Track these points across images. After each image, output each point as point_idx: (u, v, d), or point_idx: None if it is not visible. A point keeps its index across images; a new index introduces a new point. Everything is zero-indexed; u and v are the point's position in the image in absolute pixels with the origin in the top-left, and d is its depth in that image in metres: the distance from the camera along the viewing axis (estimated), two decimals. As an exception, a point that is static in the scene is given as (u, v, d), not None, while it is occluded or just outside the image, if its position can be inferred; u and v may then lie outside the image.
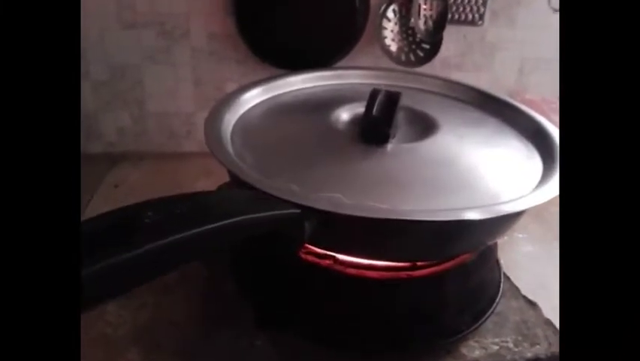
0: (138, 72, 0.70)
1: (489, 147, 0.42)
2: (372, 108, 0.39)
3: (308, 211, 0.30)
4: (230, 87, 0.71)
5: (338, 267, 0.37)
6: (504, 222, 0.35)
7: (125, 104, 0.72)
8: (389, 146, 0.39)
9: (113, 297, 0.35)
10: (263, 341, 0.40)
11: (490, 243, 0.40)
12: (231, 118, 0.42)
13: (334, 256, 0.37)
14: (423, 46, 0.72)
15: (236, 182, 0.35)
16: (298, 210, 0.29)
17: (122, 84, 0.70)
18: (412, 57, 0.72)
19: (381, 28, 0.71)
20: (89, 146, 0.73)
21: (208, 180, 0.67)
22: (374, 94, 0.40)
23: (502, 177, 0.37)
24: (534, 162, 0.40)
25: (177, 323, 0.46)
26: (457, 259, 0.39)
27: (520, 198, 0.33)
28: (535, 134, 0.43)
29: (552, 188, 0.34)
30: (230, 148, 0.38)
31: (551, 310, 0.46)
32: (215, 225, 0.25)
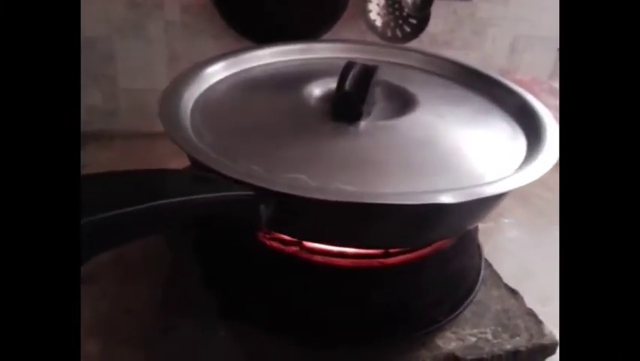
0: (108, 47, 0.66)
1: (471, 127, 0.39)
2: (345, 83, 0.36)
3: (264, 194, 0.27)
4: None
5: (304, 254, 0.35)
6: (483, 205, 0.32)
7: (94, 81, 0.68)
8: (362, 124, 0.36)
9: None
10: (226, 332, 0.38)
11: (468, 228, 0.38)
12: (193, 92, 0.39)
13: (300, 243, 0.35)
14: (410, 21, 0.69)
15: (192, 162, 0.32)
16: (251, 193, 0.26)
17: (91, 60, 0.67)
18: (399, 32, 0.69)
19: (366, 1, 0.68)
20: (56, 124, 0.70)
21: (181, 161, 0.64)
22: (348, 67, 0.37)
23: (483, 159, 0.35)
24: (518, 143, 0.37)
25: (138, 313, 0.44)
26: (433, 246, 0.36)
27: (500, 180, 0.30)
28: (520, 113, 0.40)
29: (534, 170, 0.31)
30: (188, 125, 0.35)
31: (535, 298, 0.44)
32: (157, 202, 0.23)
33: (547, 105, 0.76)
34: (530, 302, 0.43)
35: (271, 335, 0.36)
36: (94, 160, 0.66)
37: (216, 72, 0.42)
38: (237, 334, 0.37)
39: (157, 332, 0.40)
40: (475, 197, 0.28)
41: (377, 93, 0.39)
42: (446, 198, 0.27)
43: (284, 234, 0.33)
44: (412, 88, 0.41)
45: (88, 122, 0.70)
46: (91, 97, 0.69)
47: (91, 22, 0.64)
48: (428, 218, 0.30)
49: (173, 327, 0.39)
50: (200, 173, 0.30)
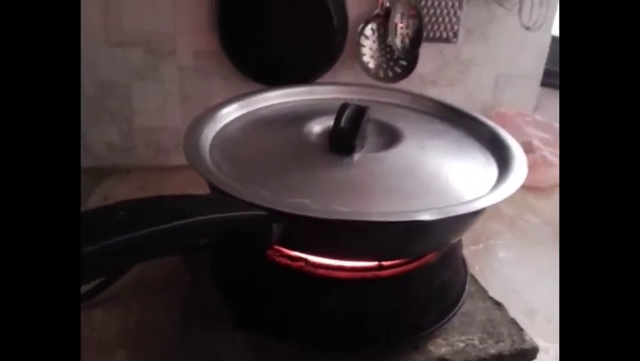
0: (126, 89, 0.73)
1: (450, 157, 0.45)
2: (341, 121, 0.42)
3: (276, 214, 0.32)
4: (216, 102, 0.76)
5: (309, 268, 0.40)
6: (460, 222, 0.38)
7: (113, 120, 0.74)
8: (356, 155, 0.42)
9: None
10: (241, 342, 0.42)
11: (451, 242, 0.43)
12: (211, 131, 0.45)
13: (306, 259, 0.40)
14: (400, 62, 0.76)
15: (212, 188, 0.38)
16: (265, 213, 0.32)
17: (110, 100, 0.73)
18: (390, 73, 0.76)
19: (359, 45, 0.74)
20: (78, 160, 0.76)
21: (194, 192, 0.70)
22: (343, 107, 0.43)
23: (460, 183, 0.40)
24: (490, 169, 0.43)
25: (161, 328, 0.48)
26: (421, 260, 0.42)
27: (473, 200, 0.36)
28: (493, 145, 0.46)
29: (503, 191, 0.37)
30: (208, 158, 0.41)
31: (520, 312, 0.48)
32: (183, 221, 0.27)
33: (531, 136, 0.83)
34: (516, 315, 0.48)
35: (281, 341, 0.41)
36: (112, 192, 0.71)
37: (230, 113, 0.49)
38: (252, 342, 0.42)
39: (179, 343, 0.44)
40: (450, 214, 0.33)
41: (368, 129, 0.45)
42: (425, 216, 0.33)
43: (291, 250, 0.39)
44: (398, 124, 0.47)
45: (106, 157, 0.76)
46: (109, 134, 0.75)
47: (112, 67, 0.71)
48: (412, 233, 0.36)
49: (194, 338, 0.44)
50: (217, 197, 0.36)
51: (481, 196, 0.37)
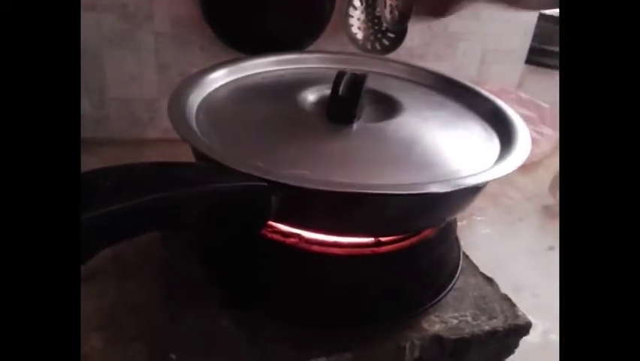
0: (98, 57, 0.68)
1: (451, 129, 0.43)
2: (339, 89, 0.39)
3: (274, 186, 0.30)
4: (195, 72, 0.72)
5: (303, 245, 0.38)
6: (465, 195, 0.36)
7: (84, 90, 0.70)
8: (355, 126, 0.39)
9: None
10: (228, 322, 0.40)
11: (450, 218, 0.41)
12: (196, 98, 0.42)
13: (300, 235, 0.38)
14: (388, 35, 0.73)
15: (201, 159, 0.35)
16: (265, 183, 0.29)
17: (81, 69, 0.68)
18: (378, 45, 0.74)
19: (347, 16, 0.72)
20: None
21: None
22: (340, 75, 0.40)
23: (462, 156, 0.39)
24: (492, 143, 0.41)
25: (139, 307, 0.46)
26: (418, 236, 0.40)
27: (480, 173, 0.35)
28: (493, 118, 0.44)
29: (508, 165, 0.36)
30: (195, 128, 0.38)
31: (507, 287, 0.48)
32: (179, 192, 0.25)
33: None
34: (503, 290, 0.47)
35: (272, 320, 0.39)
36: (86, 167, 0.67)
37: (216, 79, 0.45)
38: (240, 322, 0.40)
39: (161, 324, 0.42)
40: (460, 187, 0.32)
41: (365, 99, 0.43)
42: (436, 188, 0.31)
43: (287, 224, 0.36)
44: (396, 95, 0.45)
45: (77, 129, 0.72)
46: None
47: (83, 33, 0.65)
48: (418, 207, 0.34)
49: (177, 319, 0.42)
50: (208, 165, 0.33)
51: (488, 168, 0.35)
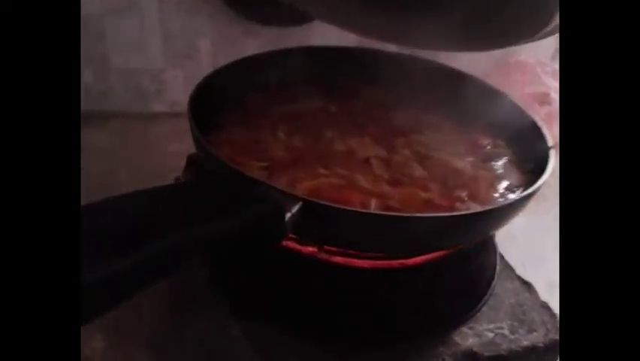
0: (100, 24, 0.62)
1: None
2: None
3: (290, 199, 0.25)
4: (203, 43, 0.66)
5: (323, 255, 0.33)
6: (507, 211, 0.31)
7: (86, 59, 0.64)
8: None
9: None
10: (238, 333, 0.37)
11: (492, 232, 0.37)
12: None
13: (319, 244, 0.33)
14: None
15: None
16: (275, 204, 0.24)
17: (82, 37, 0.63)
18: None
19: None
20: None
21: (181, 143, 0.62)
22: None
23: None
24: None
25: (145, 314, 0.42)
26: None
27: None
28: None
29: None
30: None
31: (546, 286, 0.43)
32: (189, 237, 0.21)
33: (549, 87, 0.75)
34: (541, 290, 0.43)
35: (287, 335, 0.35)
36: (91, 142, 0.63)
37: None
38: (251, 333, 0.36)
39: (166, 333, 0.39)
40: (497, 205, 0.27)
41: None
42: (476, 207, 0.26)
43: (307, 240, 0.32)
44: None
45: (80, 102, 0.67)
46: (82, 76, 0.65)
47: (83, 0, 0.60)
48: (456, 226, 0.29)
49: (184, 327, 0.38)
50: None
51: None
